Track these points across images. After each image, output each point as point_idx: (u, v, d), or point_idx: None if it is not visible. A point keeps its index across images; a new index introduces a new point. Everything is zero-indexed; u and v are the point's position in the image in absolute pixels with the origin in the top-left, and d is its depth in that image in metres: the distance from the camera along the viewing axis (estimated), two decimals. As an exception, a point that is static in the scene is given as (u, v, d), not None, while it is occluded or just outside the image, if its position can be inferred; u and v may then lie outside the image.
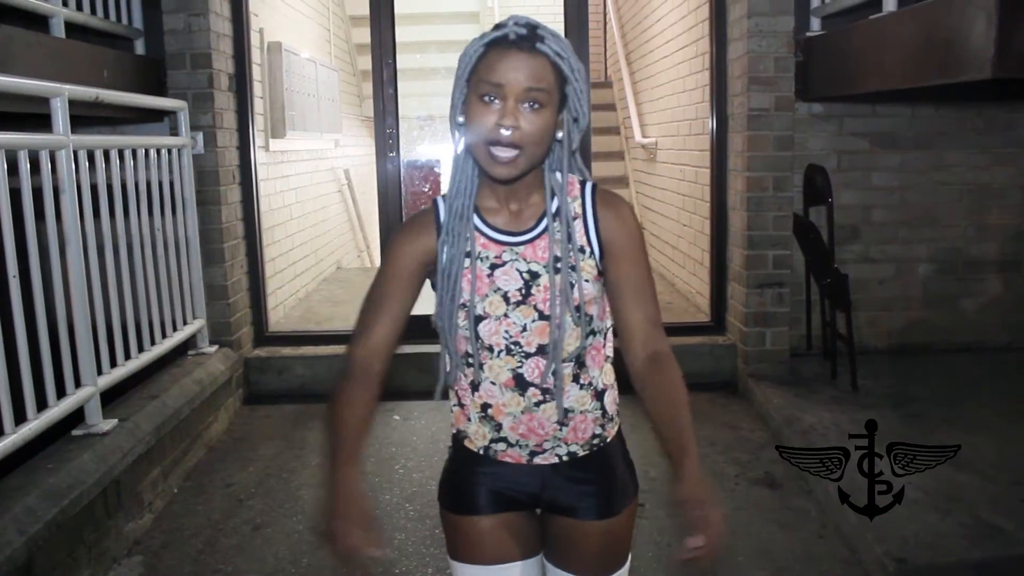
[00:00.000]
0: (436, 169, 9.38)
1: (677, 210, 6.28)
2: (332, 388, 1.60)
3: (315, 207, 7.28)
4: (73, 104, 3.17)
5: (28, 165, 2.88)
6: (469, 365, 1.62)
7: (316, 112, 6.85)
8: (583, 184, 1.62)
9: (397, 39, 5.00)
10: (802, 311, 4.80)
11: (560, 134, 1.55)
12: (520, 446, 1.63)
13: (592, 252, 1.58)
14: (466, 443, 1.69)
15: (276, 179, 5.98)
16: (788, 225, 4.56)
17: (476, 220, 1.59)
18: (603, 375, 1.64)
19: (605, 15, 9.81)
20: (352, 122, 9.15)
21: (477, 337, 1.58)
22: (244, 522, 3.39)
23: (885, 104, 4.77)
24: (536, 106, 1.46)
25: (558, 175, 1.59)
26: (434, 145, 9.24)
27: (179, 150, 4.23)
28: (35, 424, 2.83)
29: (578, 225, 1.58)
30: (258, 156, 5.05)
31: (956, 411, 4.00)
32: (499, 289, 1.57)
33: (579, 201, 1.60)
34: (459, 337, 1.61)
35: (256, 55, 5.39)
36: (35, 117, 3.16)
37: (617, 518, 1.68)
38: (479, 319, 1.57)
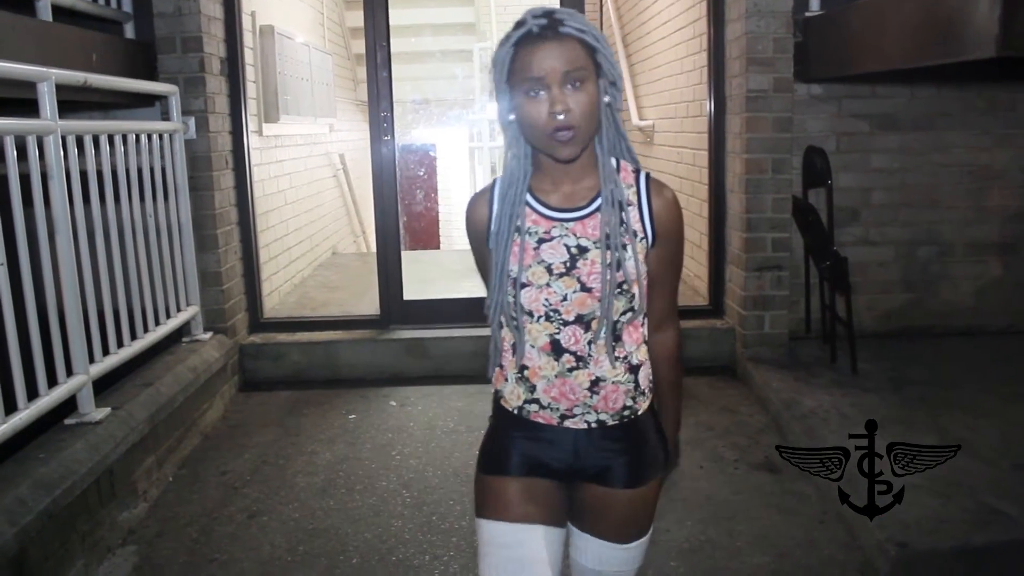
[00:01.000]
0: (431, 153, 9.35)
1: (675, 193, 6.23)
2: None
3: (310, 192, 7.23)
4: (61, 89, 3.11)
5: (15, 151, 2.83)
6: (513, 327, 1.71)
7: (310, 96, 6.79)
8: (637, 173, 1.72)
9: (391, 22, 4.94)
10: (801, 294, 4.77)
11: (606, 98, 1.64)
12: (551, 409, 1.71)
13: (645, 237, 1.69)
14: (502, 402, 1.78)
15: (270, 164, 5.93)
16: (787, 208, 4.52)
17: (529, 198, 1.71)
18: (639, 351, 1.74)
19: (601, -3, 9.72)
20: (347, 106, 9.09)
21: (520, 305, 1.68)
22: (239, 510, 3.36)
23: (885, 85, 4.73)
24: (578, 84, 1.56)
25: (612, 160, 1.69)
26: (429, 129, 9.20)
27: (171, 135, 4.17)
28: (26, 414, 2.79)
29: (633, 212, 1.69)
30: (251, 141, 5.00)
31: (957, 394, 3.97)
32: (543, 261, 1.67)
33: (634, 189, 1.71)
34: (506, 303, 1.70)
35: (248, 38, 5.33)
36: (22, 102, 3.10)
37: (643, 488, 1.76)
38: (523, 286, 1.67)
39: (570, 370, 1.69)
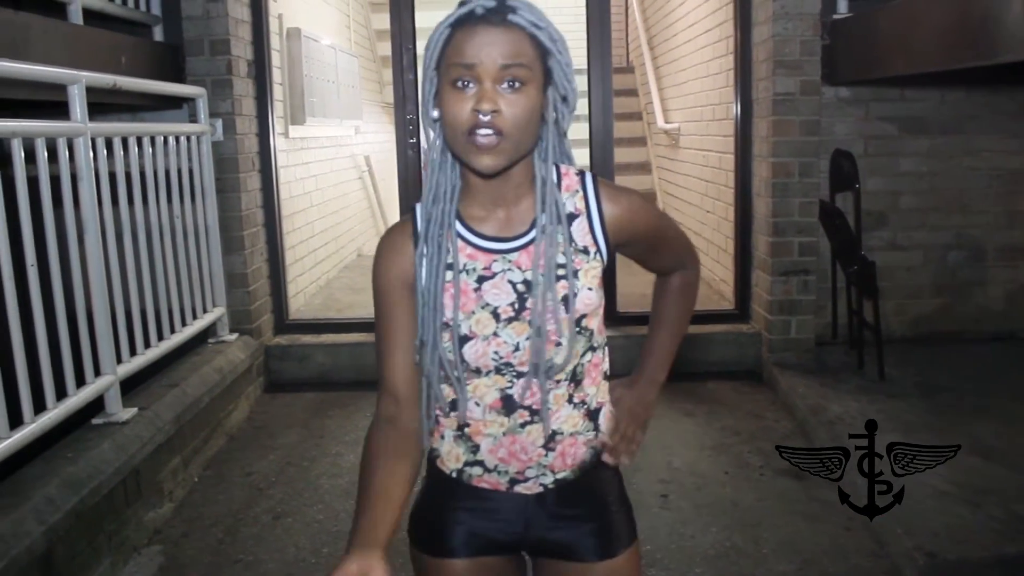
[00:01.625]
0: (456, 156, 9.37)
1: (700, 196, 6.21)
2: (365, 447, 1.45)
3: (335, 194, 7.26)
4: (91, 91, 3.15)
5: (46, 153, 2.86)
6: (450, 384, 1.43)
7: (336, 98, 6.81)
8: (581, 177, 1.44)
9: (417, 25, 4.95)
10: (828, 299, 4.73)
11: (552, 114, 1.37)
12: (499, 472, 1.45)
13: (598, 252, 1.42)
14: (438, 463, 1.51)
15: (296, 166, 5.95)
16: (814, 211, 4.49)
17: (460, 228, 1.41)
18: (599, 392, 1.50)
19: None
20: (372, 108, 9.12)
21: (462, 360, 1.39)
22: (264, 511, 3.37)
23: (914, 88, 4.68)
24: (516, 85, 1.28)
25: (552, 170, 1.40)
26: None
27: (198, 137, 4.20)
28: (54, 413, 2.82)
29: (580, 224, 1.41)
30: (278, 143, 5.03)
31: (986, 401, 3.92)
32: (487, 305, 1.39)
33: (580, 194, 1.43)
34: (443, 360, 1.41)
35: (275, 41, 5.36)
36: (53, 104, 3.13)
37: (621, 558, 1.50)
38: (464, 340, 1.38)
39: (522, 425, 1.42)
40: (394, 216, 6.73)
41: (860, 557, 2.94)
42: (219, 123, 4.41)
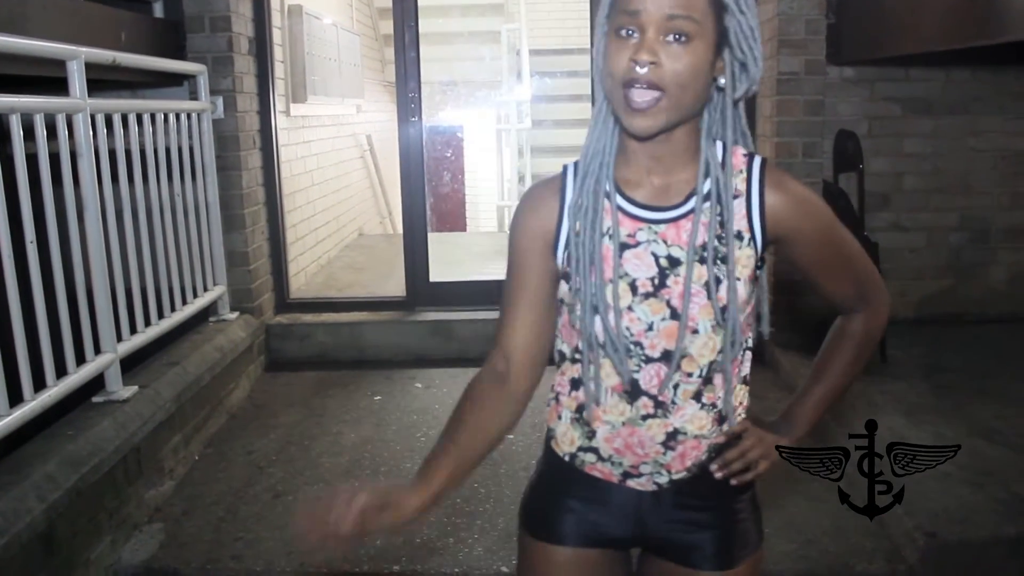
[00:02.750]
0: (459, 134, 9.33)
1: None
2: (464, 393, 1.45)
3: (337, 173, 7.24)
4: (90, 67, 3.11)
5: (45, 129, 2.84)
6: (575, 361, 1.37)
7: (337, 77, 6.78)
8: (750, 158, 1.33)
9: (419, 2, 4.92)
10: (830, 280, 4.71)
11: (722, 80, 1.26)
12: (612, 462, 1.38)
13: (752, 239, 1.31)
14: (552, 444, 1.46)
15: (297, 144, 5.93)
16: (817, 192, 4.46)
17: (613, 192, 1.33)
18: (734, 397, 1.39)
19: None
20: (374, 87, 9.08)
21: (605, 331, 1.30)
22: (265, 489, 3.37)
23: (919, 68, 4.65)
24: (682, 39, 1.18)
25: (718, 145, 1.31)
26: (456, 110, 9.19)
27: (198, 115, 4.18)
28: (54, 391, 2.81)
29: (738, 205, 1.30)
30: (279, 121, 5.01)
31: (989, 383, 3.91)
32: (626, 275, 1.30)
33: (743, 176, 1.31)
34: (571, 328, 1.34)
35: (276, 18, 5.33)
36: (51, 80, 3.11)
37: (738, 570, 1.42)
38: (608, 309, 1.30)
39: (644, 418, 1.33)
40: (396, 195, 6.72)
41: (860, 537, 2.94)
42: (220, 101, 4.39)
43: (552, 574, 1.43)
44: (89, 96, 3.09)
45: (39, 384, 2.76)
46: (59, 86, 3.06)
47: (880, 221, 4.74)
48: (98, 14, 3.63)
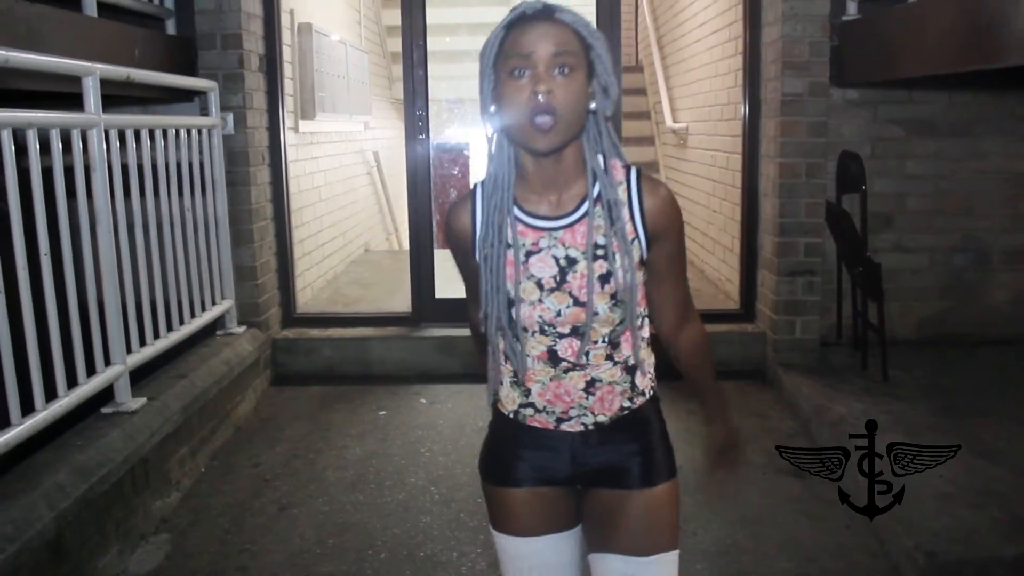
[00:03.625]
0: (465, 152, 9.37)
1: (707, 196, 6.23)
2: (475, 339, 1.89)
3: (344, 189, 7.29)
4: (104, 83, 3.18)
5: (60, 144, 2.89)
6: (512, 341, 1.64)
7: (346, 94, 6.84)
8: (627, 170, 1.60)
9: (428, 21, 4.97)
10: (833, 300, 4.74)
11: (592, 104, 1.55)
12: (547, 412, 1.65)
13: (638, 239, 1.59)
14: (498, 406, 1.74)
15: (305, 160, 5.99)
16: (820, 212, 4.50)
17: (515, 209, 1.60)
18: (635, 354, 1.65)
19: (637, -2, 9.72)
20: (382, 104, 9.15)
21: (511, 320, 1.61)
22: (270, 502, 3.40)
23: (922, 90, 4.69)
24: (566, 70, 1.47)
25: (599, 158, 1.58)
26: (463, 128, 9.23)
27: (209, 130, 4.23)
28: (65, 401, 2.85)
29: (624, 213, 1.58)
30: (288, 137, 5.06)
31: (990, 404, 3.93)
32: (532, 276, 1.58)
33: (624, 186, 1.59)
34: (501, 321, 1.63)
35: (286, 36, 5.39)
36: (67, 96, 3.16)
37: (659, 488, 1.67)
38: (515, 303, 1.60)
39: (565, 371, 1.62)
40: (402, 212, 6.78)
41: (861, 555, 2.96)
42: (230, 117, 4.44)
43: (514, 511, 1.70)
44: (103, 111, 3.14)
45: (50, 394, 2.81)
46: (73, 101, 3.11)
47: (883, 242, 4.77)
48: (113, 31, 3.69)
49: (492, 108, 1.55)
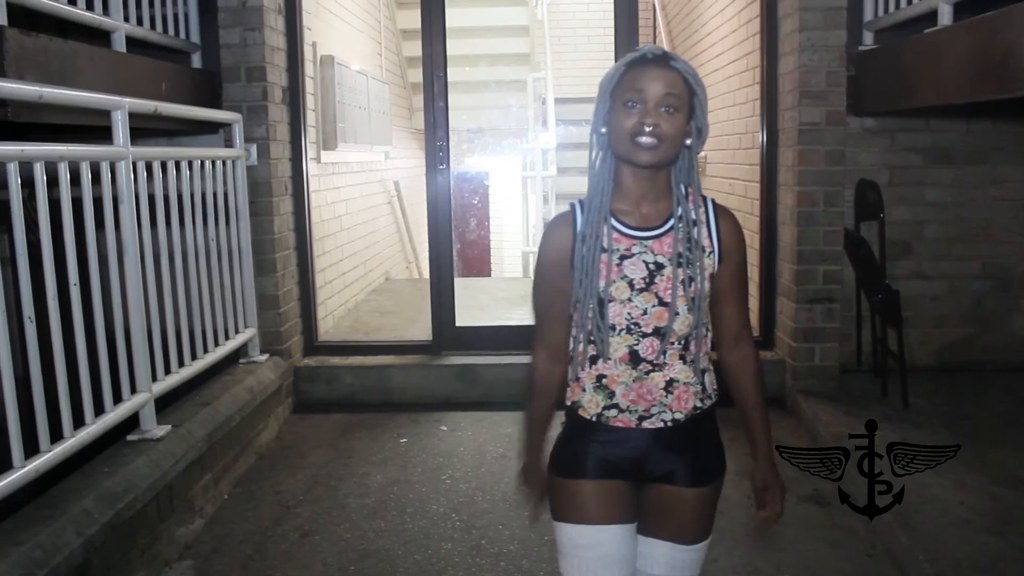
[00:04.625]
0: (485, 182, 9.44)
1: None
2: (528, 379, 1.96)
3: (365, 218, 7.36)
4: (133, 116, 3.25)
5: (90, 176, 2.96)
6: (591, 342, 1.84)
7: (367, 124, 6.93)
8: (704, 199, 1.88)
9: (448, 52, 5.04)
10: (852, 327, 4.74)
11: (688, 140, 1.80)
12: (630, 411, 1.83)
13: (713, 251, 1.84)
14: (579, 412, 1.88)
15: (327, 190, 6.06)
16: (839, 240, 4.52)
17: (610, 218, 1.83)
18: (704, 358, 1.87)
19: (655, 29, 9.80)
20: (402, 134, 9.24)
21: (603, 317, 1.80)
22: (292, 529, 3.43)
23: (939, 118, 4.71)
24: (671, 110, 1.73)
25: (682, 187, 1.85)
26: (483, 158, 9.30)
27: (233, 161, 4.30)
28: (92, 428, 2.90)
29: (702, 229, 1.84)
30: (310, 168, 5.13)
31: (1011, 431, 3.92)
32: (626, 276, 1.80)
33: (703, 209, 1.86)
34: (588, 319, 1.81)
35: (309, 68, 5.47)
36: (95, 128, 3.24)
37: (706, 489, 1.89)
38: (608, 301, 1.80)
39: (647, 373, 1.82)
40: (422, 241, 6.84)
41: (882, 584, 2.95)
42: (254, 148, 4.52)
43: (586, 501, 1.86)
44: (132, 144, 3.21)
45: (78, 421, 2.85)
46: (103, 133, 3.18)
47: (901, 269, 4.77)
48: (141, 66, 3.77)
49: (603, 129, 1.83)
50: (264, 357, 4.53)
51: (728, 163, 6.18)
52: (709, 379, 1.90)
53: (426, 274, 5.67)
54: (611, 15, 5.02)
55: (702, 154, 7.21)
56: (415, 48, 5.40)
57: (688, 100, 1.76)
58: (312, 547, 3.29)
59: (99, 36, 3.58)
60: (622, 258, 1.82)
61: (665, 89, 1.72)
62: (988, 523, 3.01)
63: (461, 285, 5.63)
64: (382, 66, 8.41)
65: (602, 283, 1.80)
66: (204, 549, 3.29)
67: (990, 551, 2.85)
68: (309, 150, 5.14)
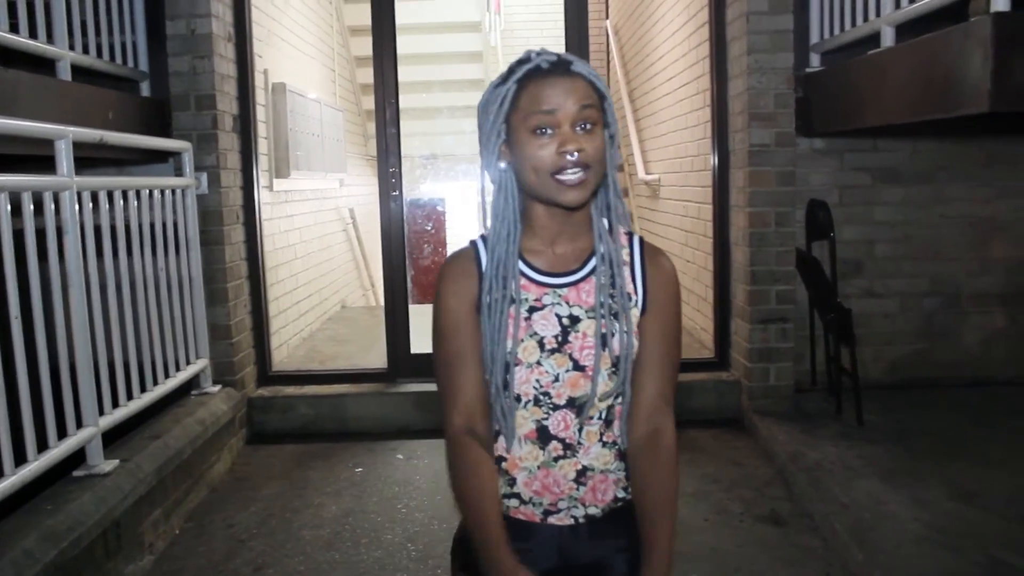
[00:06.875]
0: (439, 208, 9.43)
1: (680, 246, 6.29)
2: (450, 466, 1.55)
3: (319, 246, 7.31)
4: (78, 146, 3.19)
5: (32, 206, 2.90)
6: (499, 415, 1.53)
7: (321, 151, 6.89)
8: (630, 236, 1.58)
9: (400, 79, 5.04)
10: (806, 346, 4.78)
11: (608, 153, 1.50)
12: (533, 504, 1.54)
13: (637, 302, 1.53)
14: None
15: (280, 219, 6.00)
16: (791, 260, 4.56)
17: (519, 263, 1.53)
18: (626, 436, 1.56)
19: (608, 52, 9.90)
20: (357, 161, 9.21)
21: (506, 386, 1.50)
22: (245, 563, 3.36)
23: (886, 139, 4.79)
24: (589, 126, 1.43)
25: (604, 220, 1.54)
26: (437, 183, 9.29)
27: (183, 190, 4.25)
28: (35, 465, 2.82)
29: (626, 272, 1.53)
30: (262, 196, 5.08)
31: (964, 445, 3.96)
32: (535, 334, 1.50)
33: (627, 250, 1.56)
34: (497, 388, 1.51)
35: (260, 96, 5.44)
36: (42, 158, 3.18)
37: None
38: (510, 365, 1.49)
39: (555, 459, 1.51)
40: (378, 268, 6.79)
41: (840, 602, 2.96)
42: (204, 176, 4.46)
43: None
44: (76, 173, 3.16)
45: (20, 458, 2.77)
46: (46, 162, 3.12)
47: (853, 288, 4.83)
48: (86, 95, 3.71)
49: (503, 165, 1.50)
50: (216, 388, 4.46)
51: (681, 185, 6.23)
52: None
53: (382, 301, 5.62)
54: (563, 41, 5.05)
55: (655, 176, 7.31)
56: (369, 75, 5.38)
57: (600, 108, 1.46)
58: (266, 581, 3.22)
59: (44, 65, 3.53)
60: (531, 310, 1.50)
61: (578, 103, 1.41)
62: (945, 539, 3.03)
63: (416, 312, 5.59)
64: (336, 93, 8.39)
65: (509, 342, 1.47)
66: (154, 586, 3.21)
67: (948, 566, 2.87)
68: (261, 178, 5.09)
